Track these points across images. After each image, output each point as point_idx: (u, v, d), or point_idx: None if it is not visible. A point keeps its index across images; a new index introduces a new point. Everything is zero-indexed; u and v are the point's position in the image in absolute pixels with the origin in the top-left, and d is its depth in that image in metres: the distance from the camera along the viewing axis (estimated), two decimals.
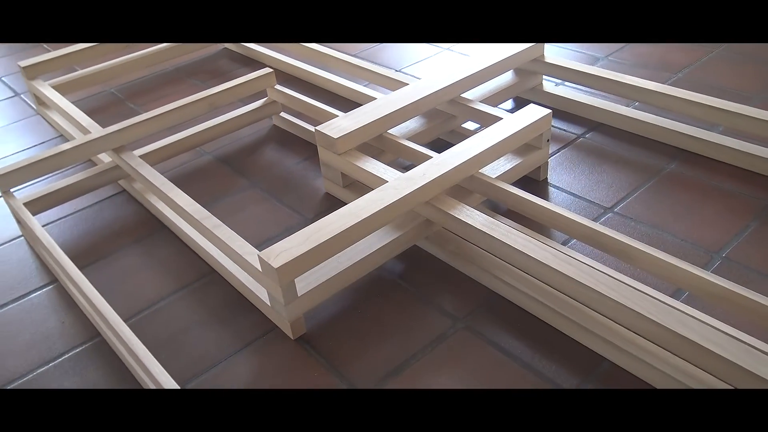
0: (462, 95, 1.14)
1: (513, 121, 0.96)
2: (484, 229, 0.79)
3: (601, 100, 1.17)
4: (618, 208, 0.95)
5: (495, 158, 0.93)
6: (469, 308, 0.82)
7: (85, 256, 0.97)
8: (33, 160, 0.99)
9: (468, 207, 0.84)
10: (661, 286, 0.81)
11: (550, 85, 1.26)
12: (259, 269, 0.77)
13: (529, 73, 1.22)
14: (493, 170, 0.96)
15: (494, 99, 1.18)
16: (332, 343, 0.79)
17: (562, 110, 1.21)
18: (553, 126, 1.17)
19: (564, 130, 1.15)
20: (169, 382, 0.67)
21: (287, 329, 0.80)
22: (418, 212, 0.88)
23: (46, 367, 0.80)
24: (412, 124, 1.09)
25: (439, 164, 0.87)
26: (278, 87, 1.21)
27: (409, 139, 1.06)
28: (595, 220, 0.94)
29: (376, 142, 1.03)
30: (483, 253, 0.85)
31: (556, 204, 0.97)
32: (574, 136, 1.13)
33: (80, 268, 0.95)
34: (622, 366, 0.72)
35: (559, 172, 1.04)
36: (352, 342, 0.79)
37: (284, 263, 0.73)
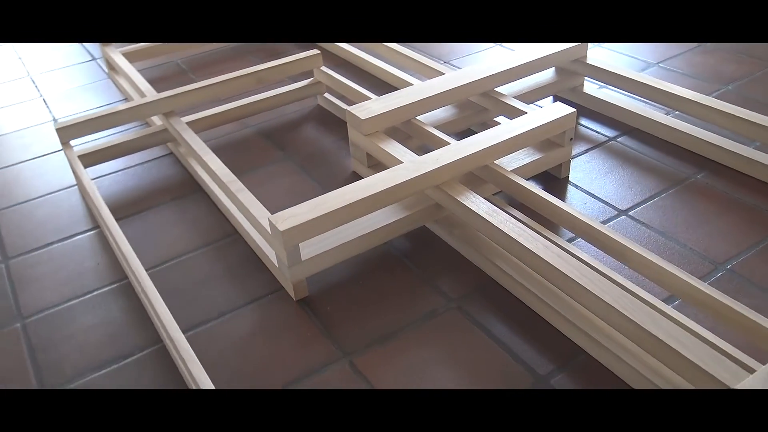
0: (498, 89, 1.16)
1: (535, 117, 0.98)
2: (485, 216, 0.82)
3: (638, 104, 1.17)
4: (633, 211, 0.96)
5: (511, 151, 0.95)
6: (464, 291, 0.85)
7: (126, 208, 1.06)
8: (91, 117, 1.09)
9: (474, 194, 0.87)
10: (656, 290, 0.82)
11: (592, 87, 1.26)
12: (269, 231, 0.83)
13: (570, 73, 1.23)
14: (511, 162, 0.99)
15: (532, 95, 1.20)
16: (330, 307, 0.84)
17: (598, 112, 1.21)
18: (585, 127, 1.17)
19: (596, 131, 1.16)
20: (172, 325, 0.74)
21: (291, 290, 0.86)
22: (429, 195, 0.92)
23: (75, 300, 0.89)
24: (443, 113, 1.13)
25: (453, 151, 0.91)
26: (324, 68, 1.26)
27: (439, 127, 1.10)
28: (606, 221, 0.95)
29: (404, 127, 1.07)
30: (483, 239, 0.88)
31: (567, 202, 0.99)
32: (606, 139, 1.13)
33: (119, 219, 1.04)
34: (598, 359, 0.74)
35: (583, 172, 1.05)
36: (349, 309, 0.84)
37: (289, 227, 0.79)
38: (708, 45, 1.43)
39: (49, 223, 1.04)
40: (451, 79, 1.09)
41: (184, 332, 0.82)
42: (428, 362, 0.76)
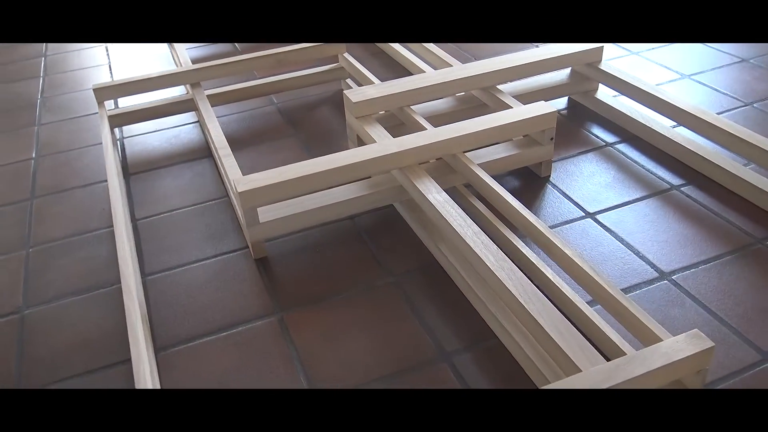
0: (503, 86, 1.19)
1: (512, 113, 1.00)
2: (432, 201, 0.86)
3: (643, 112, 1.15)
4: (600, 215, 0.96)
5: (480, 143, 0.98)
6: (407, 268, 0.89)
7: (141, 165, 1.18)
8: (123, 81, 1.22)
9: (431, 180, 0.91)
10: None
11: (607, 92, 1.25)
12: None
13: (582, 77, 1.23)
14: (487, 156, 1.01)
15: (543, 94, 1.21)
16: (281, 269, 0.91)
17: (607, 119, 1.21)
18: (588, 131, 1.17)
19: (596, 136, 1.15)
20: (128, 270, 0.84)
21: (251, 250, 0.94)
22: (396, 177, 0.97)
23: (77, 237, 1.01)
24: (443, 104, 1.16)
25: (422, 137, 0.95)
26: (346, 55, 1.33)
27: (435, 118, 1.14)
28: (570, 222, 0.96)
29: (398, 113, 1.12)
30: (432, 223, 0.92)
31: (540, 200, 1.00)
32: (603, 144, 1.13)
33: (133, 174, 1.16)
34: (505, 345, 0.77)
35: (566, 173, 1.06)
36: (298, 272, 0.90)
37: (246, 190, 0.87)
38: (751, 61, 1.37)
39: (76, 172, 1.18)
40: (451, 72, 1.12)
41: (151, 274, 0.92)
42: (350, 327, 0.81)
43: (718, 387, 0.70)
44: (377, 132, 1.02)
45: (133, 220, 1.04)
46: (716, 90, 1.27)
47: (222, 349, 0.80)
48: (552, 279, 0.78)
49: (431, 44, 1.38)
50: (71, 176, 1.17)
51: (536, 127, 1.00)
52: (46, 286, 0.92)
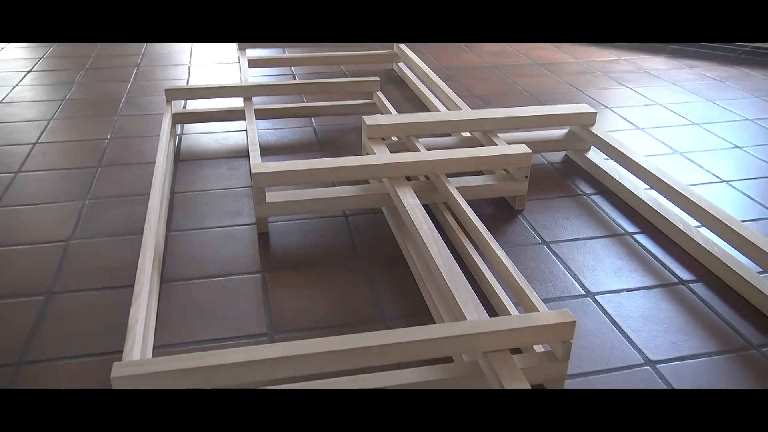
0: (508, 134, 1.36)
1: (493, 150, 1.17)
2: (405, 203, 1.04)
3: (622, 173, 1.30)
4: (553, 244, 1.11)
5: (460, 168, 1.15)
6: (378, 258, 1.07)
7: (190, 155, 1.41)
8: (192, 87, 1.48)
9: (409, 188, 1.09)
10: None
11: (598, 154, 1.41)
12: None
13: (577, 137, 1.40)
14: (467, 181, 1.19)
15: (540, 146, 1.38)
16: (276, 242, 1.10)
17: (591, 174, 1.36)
18: (569, 181, 1.33)
19: (575, 186, 1.31)
20: (161, 225, 1.05)
21: (257, 225, 1.14)
22: (385, 185, 1.15)
23: (134, 196, 1.24)
24: (446, 140, 1.35)
25: (410, 156, 1.14)
26: (378, 93, 1.55)
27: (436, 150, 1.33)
28: (524, 245, 1.11)
29: (406, 140, 1.31)
30: (404, 222, 1.09)
31: (506, 225, 1.16)
32: (580, 193, 1.28)
33: (182, 161, 1.39)
34: (434, 320, 0.92)
35: (539, 210, 1.22)
36: (289, 247, 1.09)
37: (259, 172, 1.07)
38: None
39: (137, 153, 1.43)
40: (458, 114, 1.32)
41: (174, 230, 1.13)
42: (315, 290, 0.99)
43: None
44: (380, 150, 1.22)
45: (172, 192, 1.26)
46: (700, 166, 1.41)
47: (211, 289, 0.99)
48: (476, 260, 0.94)
49: (451, 91, 1.59)
50: (132, 155, 1.42)
51: (512, 163, 1.17)
52: (90, 227, 1.14)
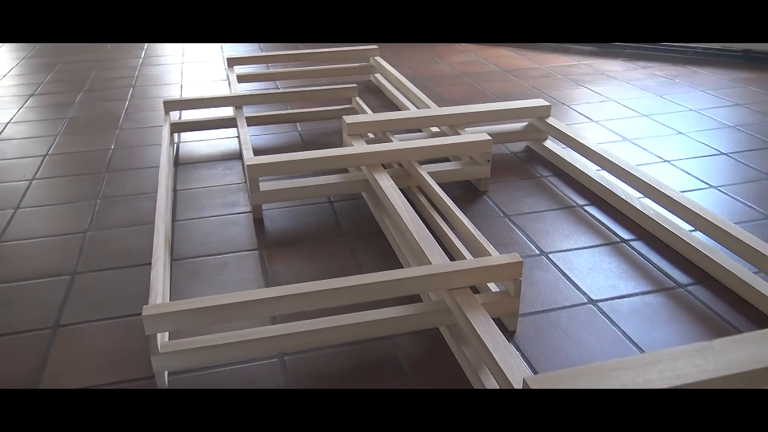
0: (474, 128, 1.52)
1: (458, 138, 1.34)
2: (381, 184, 1.20)
3: (582, 162, 1.46)
4: (513, 216, 1.27)
5: (429, 156, 1.31)
6: (360, 234, 1.22)
7: (188, 159, 1.57)
8: (188, 99, 1.63)
9: (385, 172, 1.24)
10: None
11: (555, 143, 1.58)
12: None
13: (535, 128, 1.56)
14: (437, 167, 1.34)
15: (503, 137, 1.55)
16: (270, 226, 1.25)
17: (551, 162, 1.52)
18: (529, 166, 1.49)
19: (534, 170, 1.47)
20: (167, 216, 1.20)
21: (252, 212, 1.29)
22: (363, 172, 1.31)
23: (140, 194, 1.39)
24: (417, 135, 1.51)
25: (384, 146, 1.30)
26: (357, 98, 1.71)
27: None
28: (487, 218, 1.27)
29: (382, 136, 1.47)
30: (381, 201, 1.25)
31: (471, 203, 1.32)
32: (538, 176, 1.45)
33: (180, 164, 1.54)
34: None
35: (502, 191, 1.38)
36: (281, 229, 1.24)
37: (253, 164, 1.23)
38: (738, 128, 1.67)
39: (140, 159, 1.58)
40: (428, 111, 1.48)
41: (179, 220, 1.28)
42: (305, 260, 1.14)
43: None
44: (359, 143, 1.37)
45: (174, 190, 1.41)
46: (646, 150, 1.58)
47: (216, 264, 1.13)
48: (444, 229, 1.10)
49: (422, 94, 1.75)
50: (136, 161, 1.57)
51: (475, 149, 1.33)
52: (104, 220, 1.29)
